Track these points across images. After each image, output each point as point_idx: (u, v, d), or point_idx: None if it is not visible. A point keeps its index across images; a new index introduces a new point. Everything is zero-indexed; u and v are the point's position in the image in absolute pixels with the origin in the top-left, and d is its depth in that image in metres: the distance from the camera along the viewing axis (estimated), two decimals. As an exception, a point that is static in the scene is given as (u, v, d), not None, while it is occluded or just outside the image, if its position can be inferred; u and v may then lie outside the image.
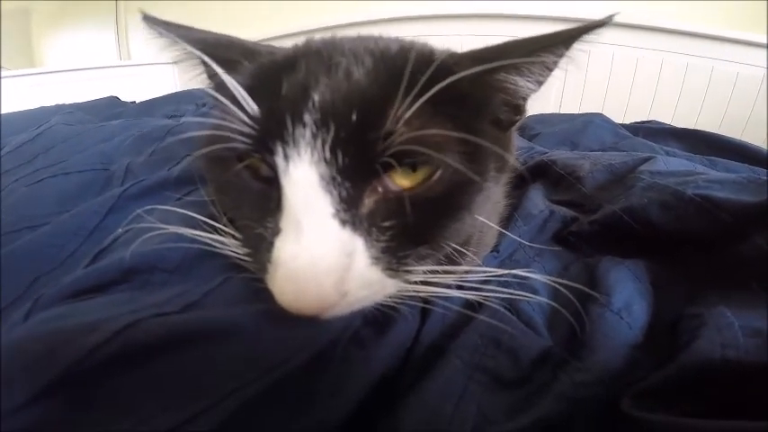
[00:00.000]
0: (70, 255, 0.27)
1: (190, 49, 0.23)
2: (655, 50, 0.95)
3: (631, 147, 0.68)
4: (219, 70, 0.21)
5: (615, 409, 0.18)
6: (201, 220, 0.23)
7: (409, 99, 0.19)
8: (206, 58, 0.22)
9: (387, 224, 0.21)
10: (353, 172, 0.20)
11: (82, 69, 1.75)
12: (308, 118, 0.19)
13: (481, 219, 0.24)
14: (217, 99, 0.21)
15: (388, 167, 0.20)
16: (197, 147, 0.22)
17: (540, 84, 0.24)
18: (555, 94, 1.06)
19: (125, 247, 0.23)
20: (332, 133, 0.19)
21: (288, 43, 0.26)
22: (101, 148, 0.46)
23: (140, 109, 1.31)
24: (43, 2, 2.37)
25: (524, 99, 0.25)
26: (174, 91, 1.90)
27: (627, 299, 0.27)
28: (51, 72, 1.73)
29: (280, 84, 0.20)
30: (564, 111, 1.04)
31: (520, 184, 0.52)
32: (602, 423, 0.18)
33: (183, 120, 0.56)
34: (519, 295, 0.24)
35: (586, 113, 0.86)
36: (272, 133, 0.20)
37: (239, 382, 0.18)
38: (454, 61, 0.22)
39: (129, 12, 2.17)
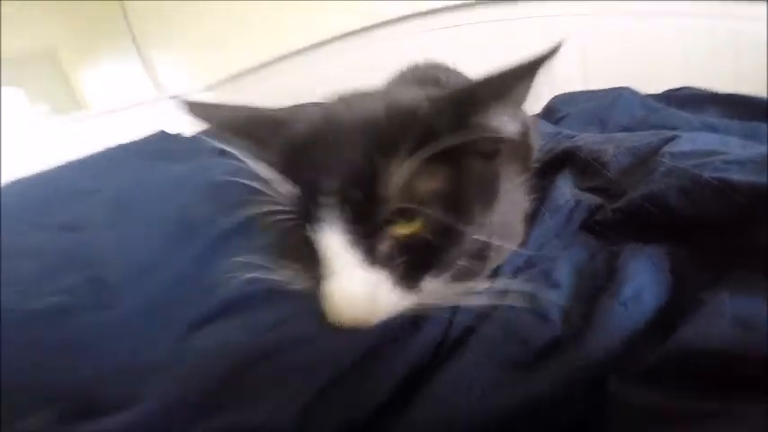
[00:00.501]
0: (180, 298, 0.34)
1: (228, 138, 0.29)
2: (674, 17, 0.91)
3: (663, 120, 0.67)
4: (263, 167, 0.27)
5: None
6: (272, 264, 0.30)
7: (400, 167, 0.24)
8: (244, 157, 0.28)
9: (399, 261, 0.27)
10: (366, 231, 0.25)
11: (123, 109, 1.90)
12: (325, 200, 0.25)
13: (483, 238, 0.29)
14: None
15: (390, 222, 0.26)
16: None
17: (518, 117, 0.27)
18: (577, 69, 1.04)
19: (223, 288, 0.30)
20: (345, 210, 0.25)
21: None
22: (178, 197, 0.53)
23: (190, 146, 1.42)
24: (65, 41, 2.41)
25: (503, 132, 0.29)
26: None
27: (637, 287, 0.29)
28: (93, 115, 1.87)
29: (301, 170, 0.26)
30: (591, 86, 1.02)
31: (546, 174, 0.54)
32: (597, 406, 0.22)
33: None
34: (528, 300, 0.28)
35: (613, 88, 0.84)
36: (303, 212, 0.26)
37: (318, 376, 0.24)
38: (435, 109, 0.26)
39: (150, 40, 2.25)
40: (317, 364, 0.25)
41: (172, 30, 2.08)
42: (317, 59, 1.56)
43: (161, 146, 1.44)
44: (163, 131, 1.69)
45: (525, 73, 0.25)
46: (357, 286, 0.25)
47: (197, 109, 0.31)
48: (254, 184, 0.27)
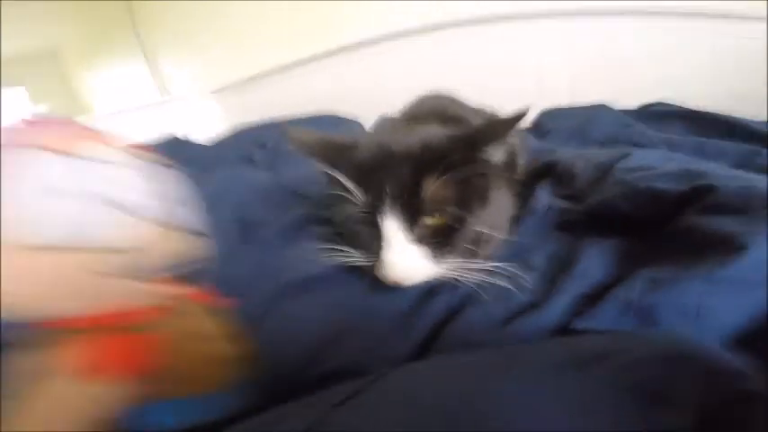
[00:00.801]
0: (251, 280, 0.47)
1: (317, 161, 0.42)
2: (663, 29, 1.03)
3: (631, 136, 0.80)
4: (346, 182, 0.41)
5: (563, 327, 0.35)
6: (329, 247, 0.43)
7: (430, 182, 0.39)
8: (331, 171, 0.42)
9: (428, 240, 0.41)
10: (409, 221, 0.40)
11: (126, 111, 1.91)
12: (387, 201, 0.39)
13: (479, 229, 0.42)
14: (335, 189, 0.41)
15: (423, 216, 0.40)
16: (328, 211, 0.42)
17: (502, 148, 0.41)
18: (566, 83, 1.17)
19: (290, 270, 0.43)
20: (398, 206, 0.39)
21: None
22: (227, 200, 0.67)
23: (210, 151, 1.54)
24: (67, 40, 2.42)
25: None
26: (215, 118, 2.07)
27: (586, 267, 0.42)
28: (98, 116, 1.88)
29: (370, 182, 0.40)
30: (576, 96, 1.14)
31: (531, 183, 0.67)
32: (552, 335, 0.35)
33: (277, 177, 0.76)
34: (512, 274, 0.41)
35: (592, 106, 0.97)
36: (373, 208, 0.40)
37: (374, 328, 0.37)
38: (450, 147, 0.40)
39: (156, 41, 2.29)
40: (374, 319, 0.38)
41: (178, 33, 2.15)
42: (319, 69, 1.68)
43: (176, 151, 1.55)
44: (174, 136, 1.77)
45: (505, 127, 0.40)
46: (403, 256, 0.40)
47: (293, 135, 0.45)
48: (339, 191, 0.41)
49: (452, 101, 0.70)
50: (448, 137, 0.43)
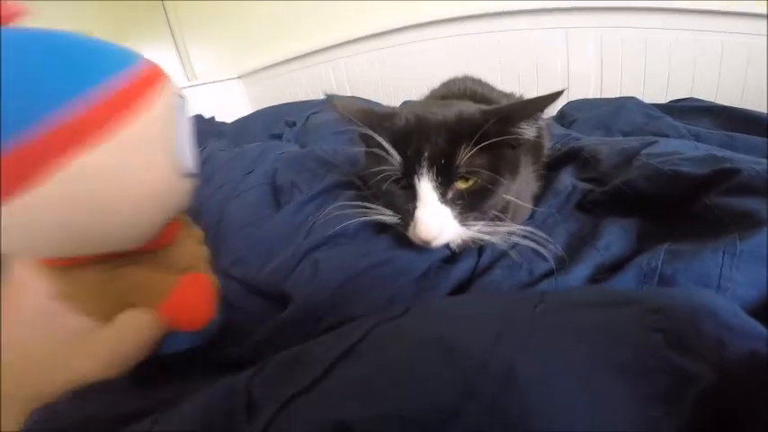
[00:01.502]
0: (286, 236, 0.50)
1: (358, 126, 0.45)
2: (687, 30, 1.02)
3: (657, 127, 0.80)
4: (384, 143, 0.43)
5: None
6: (361, 205, 0.46)
7: (465, 149, 0.40)
8: (371, 132, 0.43)
9: (458, 203, 0.43)
10: (444, 183, 0.42)
11: None
12: (424, 163, 0.41)
13: (508, 197, 0.44)
14: (372, 152, 0.44)
15: (456, 180, 0.42)
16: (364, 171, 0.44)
17: (534, 126, 0.43)
18: (594, 80, 1.17)
19: (322, 226, 0.46)
20: (434, 170, 0.41)
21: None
22: (260, 168, 0.70)
23: (236, 128, 1.59)
24: (99, 26, 2.55)
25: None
26: (240, 103, 2.12)
27: (608, 241, 0.44)
28: None
29: (407, 146, 0.42)
30: (605, 94, 1.14)
31: (555, 167, 0.69)
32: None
33: (309, 148, 0.79)
34: (536, 240, 0.43)
35: (620, 98, 0.97)
36: (409, 170, 0.42)
37: (395, 284, 0.39)
38: (485, 119, 0.42)
39: (184, 27, 2.35)
40: (398, 274, 0.40)
41: (206, 18, 2.19)
42: (344, 56, 1.71)
43: (203, 128, 1.61)
44: (199, 115, 1.83)
45: (539, 105, 0.41)
46: (435, 213, 0.41)
47: (334, 100, 0.47)
48: (378, 151, 0.43)
49: (481, 83, 0.71)
50: (483, 111, 0.44)
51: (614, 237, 0.46)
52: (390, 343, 0.25)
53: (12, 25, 0.28)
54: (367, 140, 0.45)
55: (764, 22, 0.91)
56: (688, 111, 0.93)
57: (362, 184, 0.53)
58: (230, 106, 2.18)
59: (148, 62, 0.32)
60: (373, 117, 0.45)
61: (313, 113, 1.24)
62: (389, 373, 0.22)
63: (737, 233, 0.36)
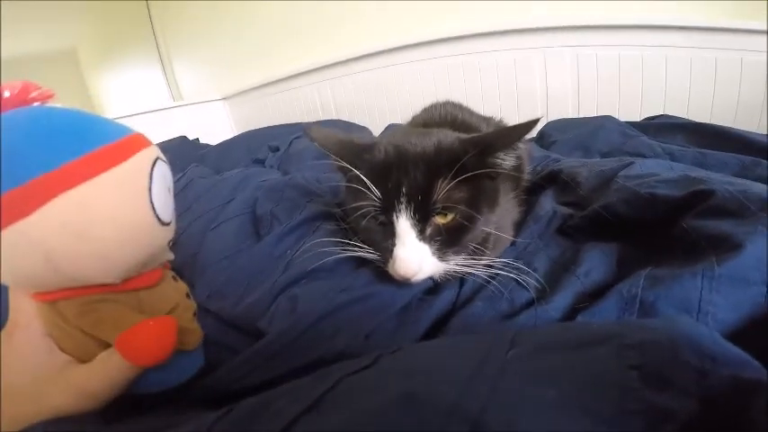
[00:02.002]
0: (263, 269, 0.49)
1: (337, 161, 0.44)
2: (659, 47, 1.06)
3: (634, 147, 0.82)
4: (364, 178, 0.42)
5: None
6: (339, 240, 0.45)
7: (443, 183, 0.40)
8: (350, 167, 0.43)
9: (437, 238, 0.42)
10: (422, 219, 0.41)
11: (138, 114, 1.95)
12: (402, 200, 0.41)
13: (488, 230, 0.43)
14: (351, 187, 0.43)
15: (435, 215, 0.41)
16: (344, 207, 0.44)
17: (513, 156, 0.43)
18: (572, 97, 1.20)
19: (301, 261, 0.45)
20: (412, 207, 0.41)
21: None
22: (240, 197, 0.69)
23: (219, 151, 1.58)
24: (85, 42, 2.45)
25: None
26: (225, 124, 2.11)
27: (589, 268, 0.44)
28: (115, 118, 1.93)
29: (386, 181, 0.42)
30: (582, 111, 1.17)
31: (535, 191, 0.69)
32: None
33: (290, 176, 0.78)
34: (515, 270, 0.43)
35: (598, 117, 0.99)
36: (388, 206, 0.41)
37: (375, 319, 0.38)
38: (464, 150, 0.42)
39: (171, 46, 2.36)
40: (378, 309, 0.39)
41: (193, 40, 2.22)
42: (328, 79, 1.74)
43: (185, 150, 1.60)
44: (184, 137, 1.82)
45: (517, 134, 0.41)
46: (413, 251, 0.41)
47: (312, 133, 0.47)
48: (357, 186, 0.42)
49: (462, 109, 0.72)
50: (461, 141, 0.44)
51: (595, 262, 0.46)
52: (356, 398, 0.24)
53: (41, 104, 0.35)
54: (346, 173, 0.44)
55: (734, 37, 0.95)
56: (662, 128, 0.95)
57: (343, 216, 0.53)
58: (215, 127, 2.17)
59: (138, 133, 0.37)
60: (352, 149, 0.45)
61: (296, 138, 1.24)
62: (352, 430, 0.21)
63: (714, 257, 0.36)
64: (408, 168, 0.42)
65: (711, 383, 0.21)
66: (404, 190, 0.41)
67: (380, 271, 0.44)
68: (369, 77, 1.62)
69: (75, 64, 2.57)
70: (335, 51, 1.64)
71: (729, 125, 0.85)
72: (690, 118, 0.97)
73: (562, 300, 0.40)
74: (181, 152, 1.53)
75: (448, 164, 0.41)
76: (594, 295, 0.41)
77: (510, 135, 0.42)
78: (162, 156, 0.38)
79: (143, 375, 0.35)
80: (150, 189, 0.34)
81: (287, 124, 1.73)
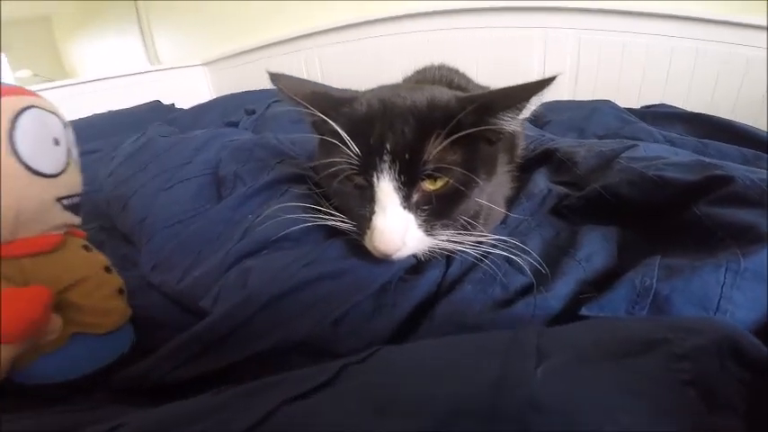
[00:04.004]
0: (219, 236, 0.42)
1: (306, 108, 0.37)
2: (665, 36, 1.02)
3: (632, 132, 0.77)
4: (340, 130, 0.35)
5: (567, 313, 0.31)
6: (308, 206, 0.38)
7: (436, 141, 0.33)
8: (322, 116, 0.36)
9: (424, 207, 0.36)
10: (408, 183, 0.34)
11: (114, 77, 1.87)
12: (385, 157, 0.34)
13: (482, 201, 0.37)
14: (324, 141, 0.36)
15: (424, 179, 0.35)
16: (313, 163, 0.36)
17: (515, 118, 0.37)
18: (568, 82, 1.15)
19: (262, 228, 0.38)
20: (397, 165, 0.34)
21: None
22: (202, 156, 0.61)
23: (192, 114, 1.48)
24: (63, 7, 2.43)
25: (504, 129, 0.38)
26: (204, 90, 2.03)
27: (590, 252, 0.39)
28: (84, 82, 1.82)
29: (368, 136, 0.35)
30: (578, 96, 1.12)
31: (529, 168, 0.64)
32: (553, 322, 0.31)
33: (261, 135, 0.70)
34: (510, 250, 0.37)
35: (595, 101, 0.95)
36: (367, 165, 0.34)
37: (347, 301, 0.32)
38: (461, 107, 0.35)
39: (151, 11, 2.26)
40: (351, 289, 0.33)
41: (173, 4, 2.09)
42: (311, 47, 1.64)
43: (157, 115, 1.49)
44: (158, 101, 1.72)
45: (527, 92, 0.35)
46: (396, 221, 0.34)
47: (280, 81, 0.39)
48: (331, 139, 0.35)
49: (458, 73, 0.66)
50: (459, 97, 0.38)
51: (595, 247, 0.41)
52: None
53: None
54: (319, 128, 0.37)
55: (743, 32, 0.91)
56: (661, 116, 0.91)
57: (317, 181, 0.46)
58: (194, 93, 2.07)
59: (12, 86, 0.35)
60: (328, 101, 0.38)
61: (275, 101, 1.15)
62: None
63: (738, 248, 0.32)
64: (395, 122, 0.35)
65: (762, 396, 0.18)
66: (388, 147, 0.34)
67: (356, 244, 0.37)
68: (361, 47, 1.52)
69: (50, 30, 2.54)
70: (327, 18, 1.53)
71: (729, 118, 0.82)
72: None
73: (564, 287, 0.35)
74: (153, 117, 1.42)
75: (442, 120, 0.34)
76: (596, 284, 0.36)
77: (518, 93, 0.35)
78: (49, 107, 0.36)
79: (33, 362, 0.31)
80: (11, 135, 0.31)
81: (268, 89, 1.62)
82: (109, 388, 0.32)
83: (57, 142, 0.35)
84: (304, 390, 0.20)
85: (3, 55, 2.39)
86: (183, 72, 2.10)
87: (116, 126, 1.35)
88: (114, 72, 1.89)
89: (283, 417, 0.18)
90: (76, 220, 0.37)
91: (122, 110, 1.59)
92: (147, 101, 1.68)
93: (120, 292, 0.38)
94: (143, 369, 0.31)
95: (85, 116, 1.47)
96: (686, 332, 0.20)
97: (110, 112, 1.57)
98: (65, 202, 0.35)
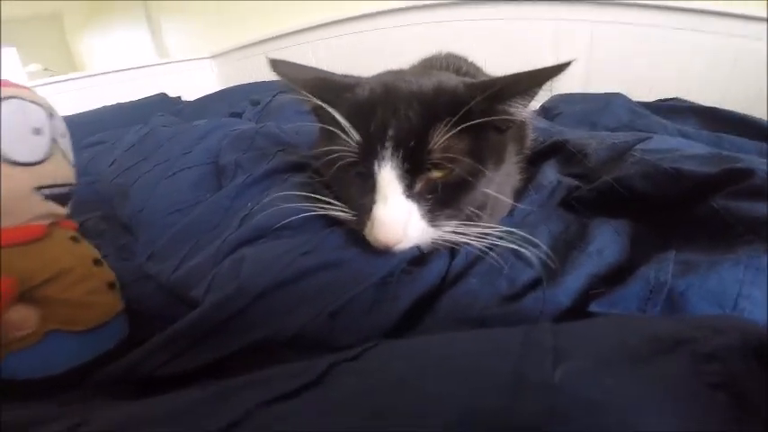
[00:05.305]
0: (217, 226, 0.41)
1: (307, 96, 0.35)
2: (680, 29, 0.99)
3: (645, 125, 0.75)
4: (338, 116, 0.33)
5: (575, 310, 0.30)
6: (308, 195, 0.37)
7: (443, 129, 0.32)
8: (321, 103, 0.34)
9: (428, 197, 0.34)
10: (411, 172, 0.33)
11: (123, 70, 1.89)
12: (387, 144, 0.33)
13: (488, 191, 0.36)
14: (324, 128, 0.35)
15: (429, 168, 0.33)
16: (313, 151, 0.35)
17: (526, 106, 0.35)
18: (580, 76, 1.12)
19: (260, 216, 0.37)
20: (400, 153, 0.32)
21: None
22: (204, 145, 0.60)
23: (197, 106, 1.47)
24: (73, 6, 2.49)
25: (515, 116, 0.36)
26: (212, 83, 2.03)
27: (601, 245, 0.37)
28: (93, 75, 1.84)
29: (368, 122, 0.33)
30: (590, 90, 1.09)
31: (537, 161, 0.62)
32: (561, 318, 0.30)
33: (262, 124, 0.69)
34: (517, 242, 0.36)
35: (607, 93, 0.92)
36: (368, 152, 0.33)
37: (346, 292, 0.31)
38: (470, 93, 0.33)
39: (159, 5, 2.27)
40: (351, 280, 0.32)
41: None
42: (320, 39, 1.62)
43: (162, 107, 1.49)
44: (164, 93, 1.72)
45: (541, 78, 0.34)
46: (398, 211, 0.33)
47: (280, 67, 0.38)
48: (331, 127, 0.34)
49: (466, 62, 0.64)
50: (468, 84, 0.36)
51: (606, 240, 0.39)
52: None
53: None
54: (320, 114, 0.36)
55: (761, 27, 0.87)
56: (674, 110, 0.88)
57: (318, 169, 0.44)
58: (201, 86, 2.08)
59: None
60: (330, 86, 0.36)
61: (281, 92, 1.13)
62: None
63: (757, 244, 0.30)
64: (399, 108, 0.33)
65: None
66: (390, 133, 0.32)
67: (356, 235, 0.36)
68: (368, 39, 1.50)
69: (60, 25, 2.61)
70: (334, 9, 1.51)
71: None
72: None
73: (574, 282, 0.33)
74: (158, 109, 1.42)
75: (450, 107, 0.33)
76: (607, 279, 0.35)
77: (532, 78, 0.34)
78: (33, 98, 0.35)
79: (8, 357, 0.31)
80: None
81: (275, 81, 1.61)
82: (94, 383, 0.31)
83: (37, 132, 0.35)
84: (284, 391, 0.18)
85: (13, 49, 2.44)
86: (191, 65, 2.11)
87: (122, 118, 1.35)
88: (123, 65, 1.90)
89: (255, 423, 0.17)
90: (62, 210, 0.36)
91: (128, 102, 1.59)
92: (155, 93, 1.69)
93: (111, 286, 0.37)
94: (126, 364, 0.30)
95: (93, 109, 1.48)
96: (712, 331, 0.18)
97: (116, 104, 1.58)
98: (46, 191, 0.34)
